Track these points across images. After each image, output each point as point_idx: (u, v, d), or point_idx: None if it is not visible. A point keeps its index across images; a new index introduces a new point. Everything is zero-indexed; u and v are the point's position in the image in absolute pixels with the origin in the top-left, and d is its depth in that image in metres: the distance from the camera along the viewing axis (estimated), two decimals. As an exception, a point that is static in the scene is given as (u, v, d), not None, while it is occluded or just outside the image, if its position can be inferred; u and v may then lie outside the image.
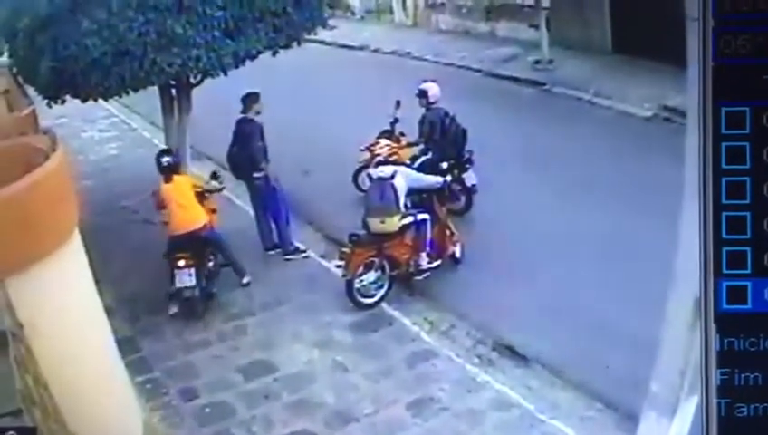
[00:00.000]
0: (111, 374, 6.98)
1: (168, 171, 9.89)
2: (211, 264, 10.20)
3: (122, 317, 9.67)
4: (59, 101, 10.57)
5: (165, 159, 9.96)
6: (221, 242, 10.25)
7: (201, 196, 10.11)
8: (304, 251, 11.16)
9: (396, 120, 11.95)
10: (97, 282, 6.89)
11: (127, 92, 10.20)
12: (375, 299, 9.72)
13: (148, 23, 9.21)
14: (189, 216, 9.82)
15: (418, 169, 10.48)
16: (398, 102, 11.95)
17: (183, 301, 9.78)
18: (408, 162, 10.67)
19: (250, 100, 10.85)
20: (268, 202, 11.06)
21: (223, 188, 10.73)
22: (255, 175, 10.87)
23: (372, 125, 11.94)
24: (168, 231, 9.94)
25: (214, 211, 10.42)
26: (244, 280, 10.36)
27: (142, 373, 8.71)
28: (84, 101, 10.59)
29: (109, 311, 7.61)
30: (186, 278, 9.65)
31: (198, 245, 9.83)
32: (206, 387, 8.58)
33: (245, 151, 10.81)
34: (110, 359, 7.04)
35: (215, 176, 10.59)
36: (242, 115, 10.93)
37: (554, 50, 17.96)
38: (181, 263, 9.60)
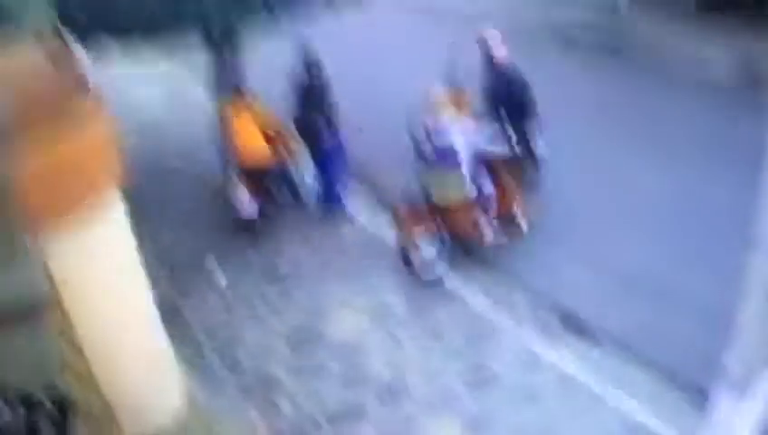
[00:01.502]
0: (151, 338, 7.05)
1: (236, 105, 10.85)
2: (282, 197, 11.22)
3: (167, 283, 9.79)
4: (100, 50, 10.54)
5: (237, 94, 10.89)
6: (288, 178, 11.25)
7: (275, 137, 10.99)
8: (354, 215, 11.26)
9: (454, 71, 10.61)
10: (141, 246, 6.97)
11: (169, 35, 10.07)
12: (437, 275, 9.54)
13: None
14: (251, 150, 10.75)
15: (486, 136, 9.98)
16: (452, 52, 10.55)
17: (243, 225, 10.85)
18: (474, 126, 10.22)
19: (313, 62, 10.87)
20: (336, 165, 11.11)
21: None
22: (328, 134, 10.90)
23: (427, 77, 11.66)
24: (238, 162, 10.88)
25: (293, 153, 11.33)
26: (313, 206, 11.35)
27: (184, 338, 8.80)
28: (121, 41, 10.44)
29: (152, 277, 7.70)
30: (246, 208, 10.73)
31: (261, 178, 10.78)
32: (250, 356, 8.65)
33: (316, 113, 10.82)
34: (151, 321, 7.10)
35: None
36: (307, 78, 10.89)
37: (632, 11, 17.51)
38: (241, 192, 10.69)
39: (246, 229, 10.92)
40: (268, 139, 10.91)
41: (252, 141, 10.74)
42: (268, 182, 10.96)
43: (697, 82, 14.61)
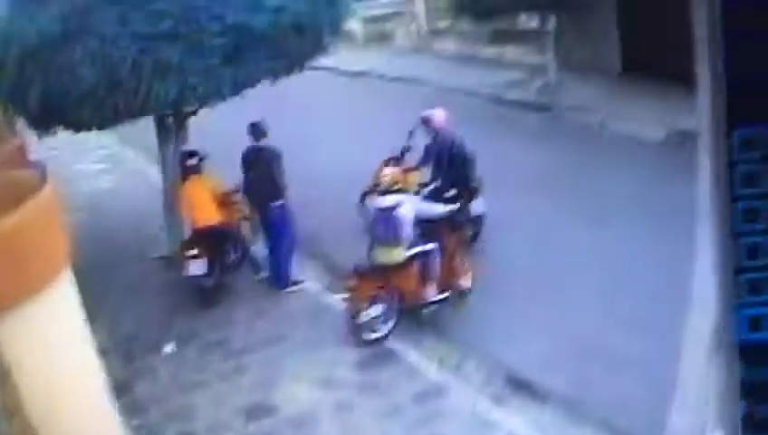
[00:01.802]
0: (103, 417, 6.94)
1: (188, 171, 10.99)
2: (231, 258, 11.36)
3: (116, 357, 9.67)
4: (50, 132, 10.62)
5: (187, 161, 11.01)
6: (236, 239, 11.43)
7: (226, 202, 11.25)
8: (302, 282, 11.22)
9: (408, 149, 11.87)
10: (90, 321, 6.89)
11: (121, 123, 10.26)
12: (381, 334, 9.67)
13: (142, 51, 9.25)
14: (200, 213, 10.87)
15: (426, 199, 10.50)
16: (411, 132, 11.88)
17: (194, 289, 10.87)
18: (416, 191, 10.67)
19: (260, 128, 11.00)
20: (282, 233, 11.10)
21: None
22: (276, 203, 10.91)
23: (376, 153, 11.95)
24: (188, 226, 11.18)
25: (245, 218, 11.69)
26: (260, 275, 11.35)
27: (137, 416, 8.68)
28: (76, 132, 10.65)
29: (102, 350, 7.60)
30: (195, 268, 10.71)
31: (211, 240, 10.82)
32: (204, 430, 8.54)
33: (265, 180, 10.86)
34: (103, 401, 6.99)
35: None
36: (255, 144, 11.03)
37: (561, 73, 18.06)
38: (191, 253, 10.67)
39: (199, 293, 10.93)
40: (220, 203, 11.10)
41: (204, 204, 10.89)
42: (220, 244, 11.07)
43: (625, 139, 15.02)
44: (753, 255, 1.36)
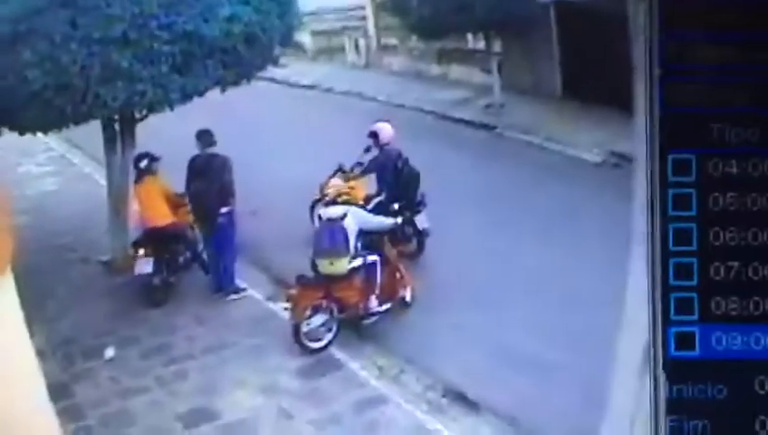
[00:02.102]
0: (41, 422, 6.82)
1: (140, 173, 11.00)
2: (181, 259, 11.31)
3: (55, 361, 9.50)
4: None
5: (141, 163, 11.01)
6: (187, 239, 11.40)
7: (178, 203, 11.26)
8: (244, 290, 11.13)
9: (360, 164, 11.83)
10: (29, 324, 6.76)
11: (68, 126, 10.13)
12: (323, 343, 9.66)
13: (92, 55, 9.15)
14: (153, 214, 10.89)
15: (372, 211, 10.54)
16: (368, 148, 11.81)
17: (142, 287, 10.78)
18: (362, 203, 10.70)
19: (209, 136, 10.93)
20: (227, 240, 11.03)
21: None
22: (222, 211, 10.81)
23: (323, 165, 11.95)
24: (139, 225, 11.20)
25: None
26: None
27: (75, 421, 8.52)
28: (22, 134, 10.47)
29: (41, 354, 7.47)
30: (143, 266, 10.71)
31: (161, 240, 10.88)
32: (142, 435, 8.43)
33: (213, 187, 10.78)
34: (40, 405, 6.88)
35: None
36: (203, 151, 10.95)
37: (506, 94, 18.28)
38: (140, 252, 10.72)
39: (145, 291, 10.89)
40: (172, 204, 11.15)
41: (157, 205, 10.92)
42: (171, 244, 11.11)
43: (565, 160, 15.25)
44: (683, 275, 1.40)
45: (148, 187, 10.97)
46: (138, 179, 11.07)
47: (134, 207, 11.27)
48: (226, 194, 10.82)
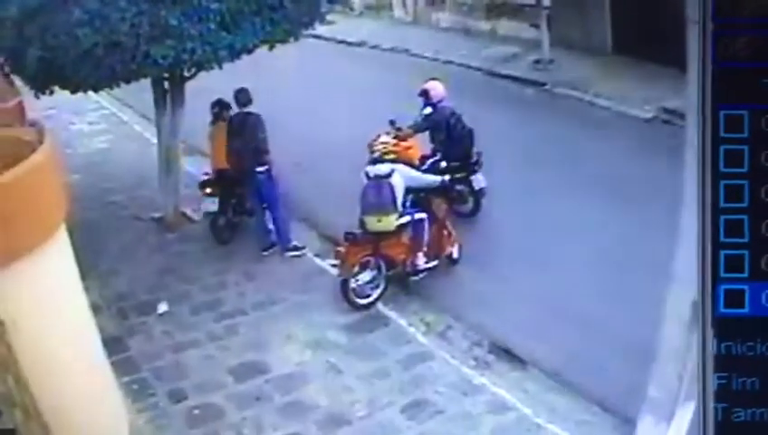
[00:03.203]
0: (97, 374, 6.97)
1: (214, 118, 11.70)
2: (248, 204, 11.63)
3: (110, 315, 9.71)
4: (47, 92, 10.55)
5: (214, 109, 11.70)
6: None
7: None
8: (303, 248, 11.18)
9: (415, 124, 11.54)
10: (84, 279, 6.89)
11: (118, 85, 10.21)
12: (371, 299, 9.73)
13: (141, 13, 9.18)
14: (222, 157, 11.29)
15: (427, 171, 10.52)
16: (423, 112, 11.55)
17: (210, 224, 11.50)
18: (417, 163, 10.68)
19: (246, 94, 10.94)
20: (270, 198, 11.09)
21: None
22: (259, 169, 10.88)
23: (370, 123, 11.91)
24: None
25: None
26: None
27: (129, 374, 8.72)
28: (74, 92, 10.59)
29: (96, 309, 7.62)
30: (209, 205, 11.39)
31: (228, 182, 11.36)
32: (195, 388, 8.59)
33: (249, 145, 10.85)
34: (97, 358, 7.02)
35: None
36: (240, 110, 10.99)
37: (555, 50, 18.00)
38: (207, 191, 11.39)
39: (211, 229, 11.47)
40: None
41: (224, 148, 11.22)
42: (234, 187, 11.45)
43: (615, 116, 15.05)
44: (734, 232, 1.39)
45: (218, 132, 11.45)
46: (211, 123, 11.69)
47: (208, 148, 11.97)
48: (262, 152, 10.87)
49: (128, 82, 10.13)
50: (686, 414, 2.12)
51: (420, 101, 11.53)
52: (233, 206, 11.57)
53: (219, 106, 11.59)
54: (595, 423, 7.61)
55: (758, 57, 1.32)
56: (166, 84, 11.34)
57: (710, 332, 1.55)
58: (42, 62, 9.60)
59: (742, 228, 1.42)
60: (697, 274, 1.53)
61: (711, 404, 1.64)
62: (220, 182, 11.40)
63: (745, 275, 1.44)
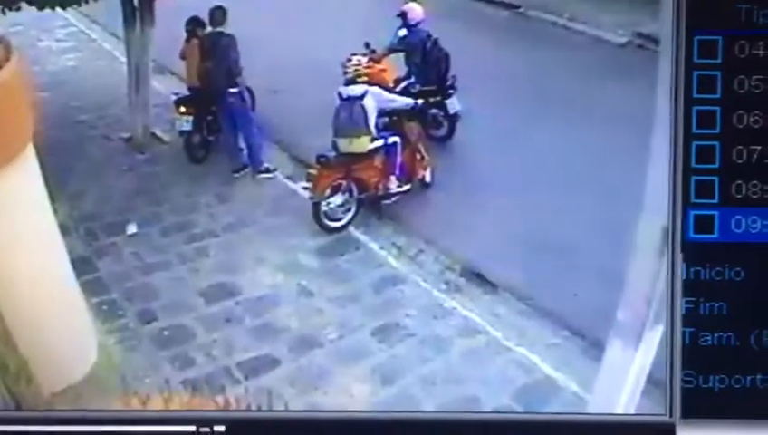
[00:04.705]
0: (66, 295, 6.97)
1: (188, 35, 11.24)
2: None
3: (78, 236, 9.66)
4: (14, 8, 10.29)
5: (188, 26, 11.20)
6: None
7: None
8: (275, 170, 11.13)
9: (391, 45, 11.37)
10: (52, 200, 6.83)
11: (87, 1, 9.98)
12: (342, 223, 9.76)
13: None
14: (195, 75, 11.19)
15: (401, 94, 10.47)
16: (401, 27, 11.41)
17: (184, 142, 11.29)
18: (391, 86, 10.57)
19: (220, 13, 10.74)
20: (242, 119, 10.98)
21: None
22: (231, 90, 10.75)
23: (348, 45, 11.73)
24: None
25: None
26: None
27: (98, 294, 8.71)
28: (41, 8, 10.31)
29: (64, 229, 7.58)
30: (183, 124, 11.17)
31: (203, 100, 11.20)
32: (164, 310, 8.61)
33: (221, 66, 10.70)
34: (65, 278, 7.01)
35: None
36: (212, 29, 10.80)
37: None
38: (182, 110, 11.17)
39: (186, 146, 11.30)
40: None
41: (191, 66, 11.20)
42: (210, 104, 11.25)
43: (589, 40, 14.95)
44: (705, 158, 1.40)
45: (192, 49, 11.21)
46: (186, 41, 11.33)
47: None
48: (234, 74, 10.74)
49: (96, -2, 9.90)
50: (654, 338, 2.16)
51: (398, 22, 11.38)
52: (208, 123, 11.39)
53: (194, 23, 11.24)
54: (564, 346, 7.76)
55: (734, -19, 1.31)
56: (135, 2, 11.10)
57: (679, 256, 1.57)
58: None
59: (713, 154, 1.43)
60: (668, 199, 1.54)
61: (679, 328, 1.68)
62: (195, 100, 11.25)
63: (715, 200, 1.46)
